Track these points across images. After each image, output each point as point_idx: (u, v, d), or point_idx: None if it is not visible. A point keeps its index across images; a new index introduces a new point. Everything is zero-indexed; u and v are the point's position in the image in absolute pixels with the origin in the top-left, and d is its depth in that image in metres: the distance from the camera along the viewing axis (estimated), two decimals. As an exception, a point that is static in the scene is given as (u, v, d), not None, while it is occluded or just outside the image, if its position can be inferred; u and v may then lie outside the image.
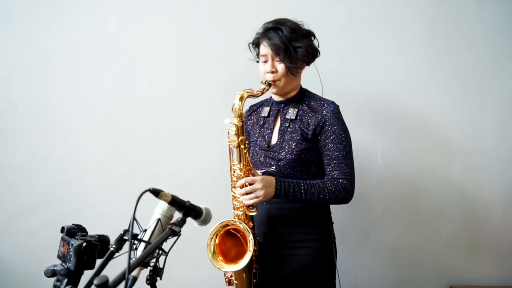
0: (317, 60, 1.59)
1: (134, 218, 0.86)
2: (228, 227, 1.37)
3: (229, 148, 1.42)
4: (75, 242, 1.05)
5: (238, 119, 1.37)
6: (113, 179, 1.95)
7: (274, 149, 1.50)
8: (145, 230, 1.09)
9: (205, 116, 1.99)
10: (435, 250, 2.07)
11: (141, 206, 1.02)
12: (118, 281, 0.80)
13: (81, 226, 1.12)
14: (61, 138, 1.92)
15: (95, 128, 1.96)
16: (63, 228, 1.10)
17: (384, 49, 2.04)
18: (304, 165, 1.48)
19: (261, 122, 1.59)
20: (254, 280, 1.46)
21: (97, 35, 1.93)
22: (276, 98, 1.57)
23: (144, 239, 1.06)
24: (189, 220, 1.06)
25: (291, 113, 1.51)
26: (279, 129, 1.53)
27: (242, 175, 1.39)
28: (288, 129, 1.49)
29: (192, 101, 1.99)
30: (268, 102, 1.63)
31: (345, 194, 1.44)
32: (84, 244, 1.04)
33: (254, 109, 1.67)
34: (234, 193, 1.42)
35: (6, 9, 1.86)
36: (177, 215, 1.07)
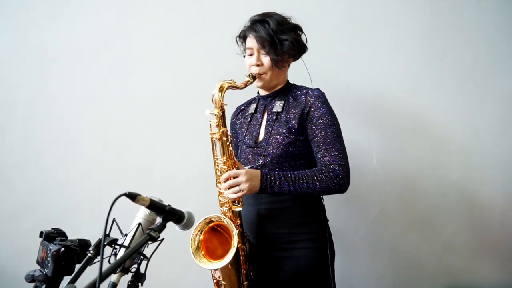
0: (310, 59, 1.55)
1: (106, 223, 0.82)
2: (213, 223, 1.33)
3: (212, 141, 1.38)
4: (53, 247, 1.01)
5: (219, 109, 1.34)
6: (106, 179, 1.91)
7: (261, 144, 1.46)
8: (126, 235, 1.05)
9: (199, 115, 1.95)
10: (433, 251, 2.02)
11: (127, 209, 1.00)
12: (88, 290, 0.76)
13: (60, 230, 1.08)
14: (53, 138, 1.89)
15: (88, 128, 1.92)
16: (41, 233, 1.06)
17: (382, 48, 2.00)
18: (292, 159, 1.43)
19: (249, 120, 1.56)
20: (245, 282, 1.42)
21: (89, 34, 1.90)
22: (262, 92, 1.54)
23: (124, 244, 1.03)
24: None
25: (278, 105, 1.47)
26: (265, 124, 1.49)
27: (226, 169, 1.35)
28: (275, 123, 1.45)
29: (186, 100, 1.96)
30: (255, 99, 1.60)
31: (338, 181, 1.35)
32: (62, 249, 1.00)
33: (241, 109, 1.63)
34: (219, 188, 1.38)
35: None
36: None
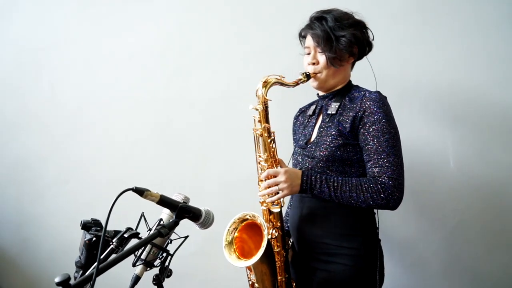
0: (374, 56, 1.42)
1: (108, 216, 0.84)
2: (247, 221, 1.29)
3: (254, 137, 1.34)
4: (87, 237, 1.08)
5: (262, 104, 1.29)
6: (164, 178, 1.95)
7: (310, 146, 1.38)
8: (150, 229, 1.07)
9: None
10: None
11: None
12: (83, 281, 0.78)
13: (97, 220, 1.15)
14: (119, 137, 2.02)
15: (149, 128, 2.01)
16: (81, 222, 1.15)
17: (457, 34, 1.75)
18: (341, 164, 1.31)
19: (306, 121, 1.49)
20: None
21: (153, 40, 2.00)
22: (321, 93, 1.45)
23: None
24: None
25: (333, 107, 1.37)
26: (319, 126, 1.40)
27: (267, 167, 1.30)
28: (327, 124, 1.36)
29: (241, 101, 1.93)
30: (316, 100, 1.52)
31: (386, 195, 1.22)
32: (94, 239, 1.06)
33: (302, 110, 1.57)
34: (260, 186, 1.33)
35: (73, 20, 2.03)
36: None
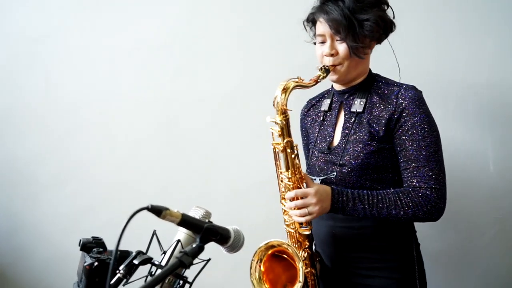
0: (394, 38, 1.22)
1: (119, 240, 0.65)
2: (274, 249, 1.11)
3: (274, 151, 1.15)
4: (87, 260, 0.90)
5: (282, 116, 1.10)
6: (167, 181, 1.80)
7: (336, 151, 1.20)
8: (164, 252, 0.89)
9: (268, 115, 1.75)
10: None
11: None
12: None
13: (99, 239, 0.97)
14: (122, 137, 1.85)
15: (152, 128, 1.84)
16: (80, 242, 0.96)
17: (497, 30, 1.58)
18: (375, 171, 1.15)
19: (321, 119, 1.29)
20: None
21: (156, 33, 1.82)
22: (338, 87, 1.25)
23: (162, 263, 0.86)
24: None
25: (357, 104, 1.18)
26: (342, 126, 1.22)
27: (292, 186, 1.12)
28: (354, 125, 1.18)
29: (255, 100, 1.75)
30: (330, 93, 1.31)
31: (429, 208, 1.09)
32: (96, 263, 0.88)
33: (313, 103, 1.36)
34: (284, 205, 1.15)
35: (70, 15, 1.86)
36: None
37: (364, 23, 1.11)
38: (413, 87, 1.16)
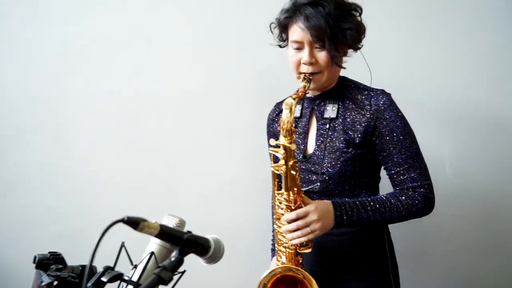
0: (364, 47, 1.22)
1: (92, 257, 0.58)
2: (279, 274, 1.06)
3: (273, 174, 1.09)
4: (44, 280, 0.79)
5: (288, 138, 1.02)
6: (130, 185, 1.69)
7: (313, 159, 1.18)
8: (135, 266, 0.81)
9: (236, 116, 1.71)
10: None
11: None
12: None
13: (58, 255, 0.86)
14: (73, 139, 1.70)
15: (112, 130, 1.71)
16: (35, 258, 0.85)
17: (455, 36, 1.66)
18: (352, 177, 1.15)
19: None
20: None
21: (114, 27, 1.70)
22: (310, 93, 1.22)
23: (133, 278, 0.79)
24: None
25: (330, 110, 1.17)
26: (316, 134, 1.20)
27: (293, 207, 1.06)
28: (329, 132, 1.16)
29: (219, 100, 1.70)
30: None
31: (426, 203, 1.14)
32: (55, 283, 0.78)
33: (282, 108, 1.34)
34: (279, 227, 1.10)
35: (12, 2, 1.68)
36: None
37: (347, 32, 1.09)
38: (383, 91, 1.17)
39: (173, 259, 0.69)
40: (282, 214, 1.08)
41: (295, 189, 1.06)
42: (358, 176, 1.16)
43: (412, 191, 1.13)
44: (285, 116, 1.02)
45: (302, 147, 1.21)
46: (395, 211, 1.11)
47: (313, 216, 1.04)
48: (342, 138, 1.14)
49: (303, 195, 1.09)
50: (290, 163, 1.04)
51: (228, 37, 1.69)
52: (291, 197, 1.06)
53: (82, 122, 1.70)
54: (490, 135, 1.67)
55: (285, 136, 1.02)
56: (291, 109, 1.02)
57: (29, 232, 1.67)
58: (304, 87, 1.09)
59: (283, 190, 1.06)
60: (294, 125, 1.17)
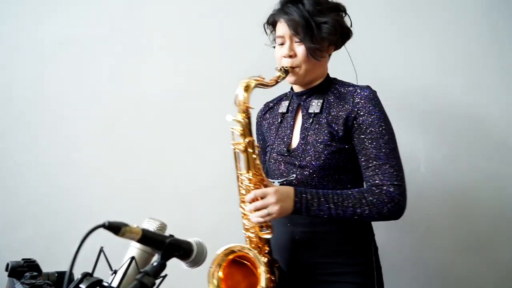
0: (348, 47, 1.28)
1: (72, 263, 0.56)
2: (234, 254, 1.08)
3: (234, 152, 1.12)
4: (18, 288, 0.76)
5: (243, 115, 1.07)
6: (111, 186, 1.67)
7: (296, 153, 1.19)
8: (115, 272, 0.79)
9: (216, 116, 1.69)
10: (491, 278, 1.72)
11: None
12: None
13: (33, 262, 0.83)
14: (52, 140, 1.65)
15: (90, 129, 1.68)
16: (7, 266, 0.82)
17: (432, 36, 1.71)
18: (336, 172, 1.16)
19: (279, 121, 1.28)
20: None
21: (92, 24, 1.66)
22: (297, 88, 1.27)
23: (113, 285, 0.76)
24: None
25: (315, 105, 1.20)
26: (301, 128, 1.22)
27: (252, 187, 1.09)
28: (312, 126, 1.19)
29: (201, 99, 1.70)
30: (288, 95, 1.32)
31: (392, 206, 1.09)
32: (30, 291, 0.75)
33: (270, 106, 1.36)
34: (243, 209, 1.12)
35: None
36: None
37: (322, 25, 1.13)
38: (368, 87, 1.20)
39: (155, 263, 0.67)
40: (244, 195, 1.10)
41: (256, 170, 1.08)
42: (342, 171, 1.17)
43: (379, 189, 1.10)
44: (241, 96, 1.08)
45: (286, 141, 1.23)
46: (359, 208, 1.09)
47: (271, 198, 1.05)
48: (326, 131, 1.16)
49: (265, 178, 1.12)
50: (247, 139, 1.07)
51: (211, 36, 1.69)
52: (251, 177, 1.08)
53: (58, 122, 1.66)
54: (464, 134, 1.73)
55: (240, 113, 1.08)
56: (248, 89, 1.08)
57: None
58: (278, 76, 1.15)
59: (244, 170, 1.09)
60: (279, 119, 1.27)
